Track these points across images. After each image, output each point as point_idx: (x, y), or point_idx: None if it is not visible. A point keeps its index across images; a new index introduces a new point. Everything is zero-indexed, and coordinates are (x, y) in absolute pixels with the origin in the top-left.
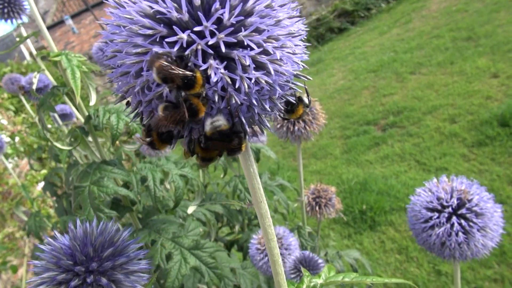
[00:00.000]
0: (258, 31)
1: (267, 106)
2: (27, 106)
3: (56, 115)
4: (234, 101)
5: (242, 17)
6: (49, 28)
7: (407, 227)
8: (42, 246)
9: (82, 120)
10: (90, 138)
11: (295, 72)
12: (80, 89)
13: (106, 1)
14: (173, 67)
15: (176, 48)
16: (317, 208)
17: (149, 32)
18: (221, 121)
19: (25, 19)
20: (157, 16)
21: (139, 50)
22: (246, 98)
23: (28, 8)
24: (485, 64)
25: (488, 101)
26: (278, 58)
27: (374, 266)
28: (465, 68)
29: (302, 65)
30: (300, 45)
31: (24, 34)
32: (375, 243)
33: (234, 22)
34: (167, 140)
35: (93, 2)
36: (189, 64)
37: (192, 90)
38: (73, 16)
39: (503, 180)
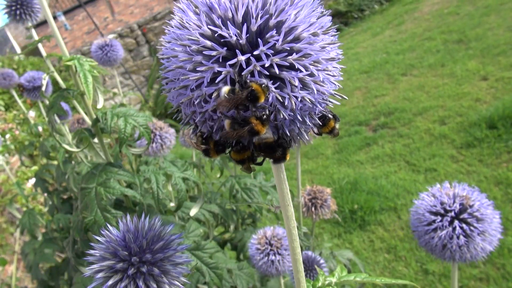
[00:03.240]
0: (305, 55)
1: (307, 121)
2: (19, 102)
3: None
4: (281, 116)
5: (294, 44)
6: (41, 24)
7: (396, 227)
8: (98, 238)
9: (89, 122)
10: (95, 140)
11: (333, 92)
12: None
13: (167, 22)
14: (235, 96)
15: (235, 68)
16: (313, 209)
17: (213, 53)
18: (268, 134)
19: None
20: (220, 40)
21: (202, 68)
22: (291, 114)
23: (39, 8)
24: (475, 66)
25: (477, 103)
26: (321, 79)
27: (362, 265)
28: (455, 71)
29: (338, 85)
30: (337, 68)
31: (36, 37)
32: (364, 242)
33: (287, 48)
34: (221, 151)
35: None
36: (247, 82)
37: (259, 100)
38: (65, 12)
39: (490, 181)
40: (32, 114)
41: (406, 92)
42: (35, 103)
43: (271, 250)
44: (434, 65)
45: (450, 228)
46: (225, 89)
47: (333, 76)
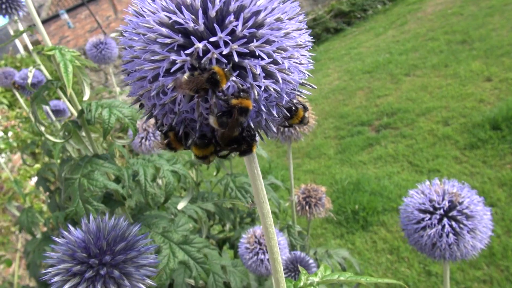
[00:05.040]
0: (268, 42)
1: (274, 112)
2: (21, 101)
3: (49, 110)
4: None
5: (254, 29)
6: (44, 22)
7: (398, 228)
8: (57, 239)
9: (76, 114)
10: (83, 133)
11: (301, 81)
12: (73, 83)
13: (125, 10)
14: (195, 78)
15: (193, 57)
16: (307, 207)
17: (167, 41)
18: None
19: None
20: (175, 27)
21: (157, 57)
22: (255, 104)
23: (24, 3)
24: (478, 67)
25: (481, 104)
26: (286, 67)
27: (365, 266)
28: (459, 71)
29: (308, 74)
30: (306, 55)
31: (21, 29)
32: (367, 243)
33: (247, 34)
34: (184, 140)
35: None
36: (207, 67)
37: (221, 84)
38: (68, 11)
39: (494, 183)
40: None
41: (409, 93)
42: None
43: (260, 249)
44: (438, 66)
45: (439, 226)
46: (186, 74)
47: (301, 64)
